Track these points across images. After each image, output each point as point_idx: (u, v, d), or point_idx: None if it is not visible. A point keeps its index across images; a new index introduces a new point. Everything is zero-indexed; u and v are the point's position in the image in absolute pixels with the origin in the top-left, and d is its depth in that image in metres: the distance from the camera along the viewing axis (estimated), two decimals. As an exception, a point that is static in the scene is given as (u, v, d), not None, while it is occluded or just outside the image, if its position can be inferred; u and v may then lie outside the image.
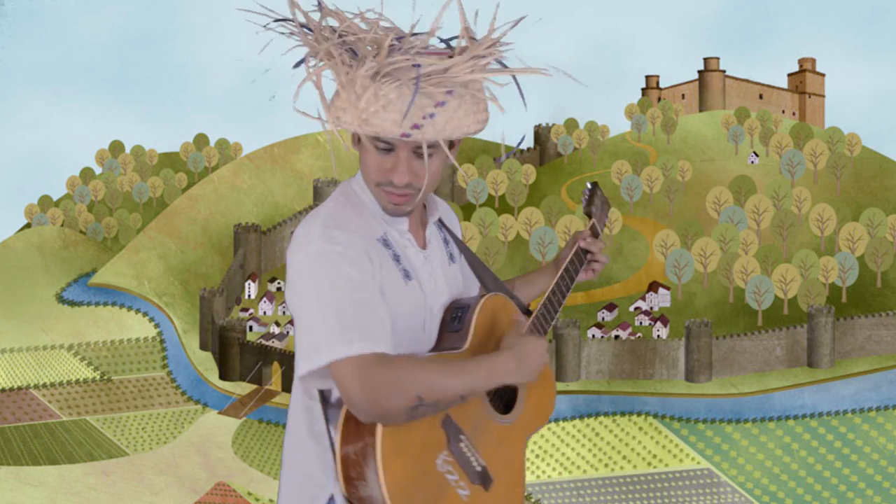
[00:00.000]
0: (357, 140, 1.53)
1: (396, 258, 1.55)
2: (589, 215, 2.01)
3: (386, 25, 1.49)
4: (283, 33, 1.49)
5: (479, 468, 1.50)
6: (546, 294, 1.78)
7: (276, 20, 1.47)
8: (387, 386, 1.37)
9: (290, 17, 1.47)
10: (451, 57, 1.47)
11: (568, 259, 1.87)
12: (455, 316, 1.58)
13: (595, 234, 1.97)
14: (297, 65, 1.48)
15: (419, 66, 1.44)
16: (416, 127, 1.45)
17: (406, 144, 1.48)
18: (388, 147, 1.48)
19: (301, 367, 1.44)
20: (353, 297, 1.42)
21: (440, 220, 1.68)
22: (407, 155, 1.48)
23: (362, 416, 1.38)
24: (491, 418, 1.57)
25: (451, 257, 1.68)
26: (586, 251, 1.91)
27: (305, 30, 1.47)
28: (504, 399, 1.65)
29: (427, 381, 1.39)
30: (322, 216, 1.51)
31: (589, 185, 1.98)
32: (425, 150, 1.48)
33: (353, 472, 1.41)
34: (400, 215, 1.56)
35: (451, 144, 1.56)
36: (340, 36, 1.46)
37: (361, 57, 1.45)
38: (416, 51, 1.46)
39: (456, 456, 1.48)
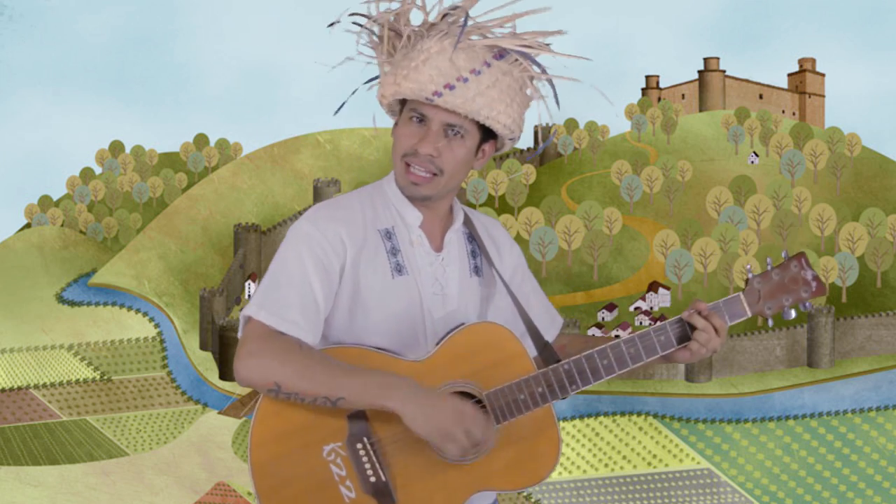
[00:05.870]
0: (395, 122, 1.59)
1: (394, 251, 1.57)
2: (745, 283, 1.59)
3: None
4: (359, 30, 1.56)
5: (373, 479, 1.46)
6: (574, 357, 1.52)
7: (359, 22, 1.56)
8: (257, 360, 1.45)
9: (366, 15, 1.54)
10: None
11: (658, 325, 1.54)
12: (451, 330, 1.55)
13: (732, 312, 1.55)
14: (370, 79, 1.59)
15: (466, 19, 1.50)
16: (448, 87, 1.49)
17: (438, 116, 1.52)
18: (421, 117, 1.54)
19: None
20: (289, 275, 1.51)
21: (472, 234, 1.67)
22: (438, 129, 1.53)
23: (235, 374, 1.47)
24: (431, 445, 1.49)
25: (476, 270, 1.65)
26: (692, 326, 1.54)
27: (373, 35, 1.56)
28: None
29: (290, 373, 1.44)
30: (328, 200, 1.57)
31: (785, 255, 1.59)
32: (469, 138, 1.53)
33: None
34: (417, 197, 1.57)
35: (481, 145, 1.58)
36: (394, 27, 1.54)
37: (405, 24, 1.52)
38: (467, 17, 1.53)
39: (350, 454, 1.47)
